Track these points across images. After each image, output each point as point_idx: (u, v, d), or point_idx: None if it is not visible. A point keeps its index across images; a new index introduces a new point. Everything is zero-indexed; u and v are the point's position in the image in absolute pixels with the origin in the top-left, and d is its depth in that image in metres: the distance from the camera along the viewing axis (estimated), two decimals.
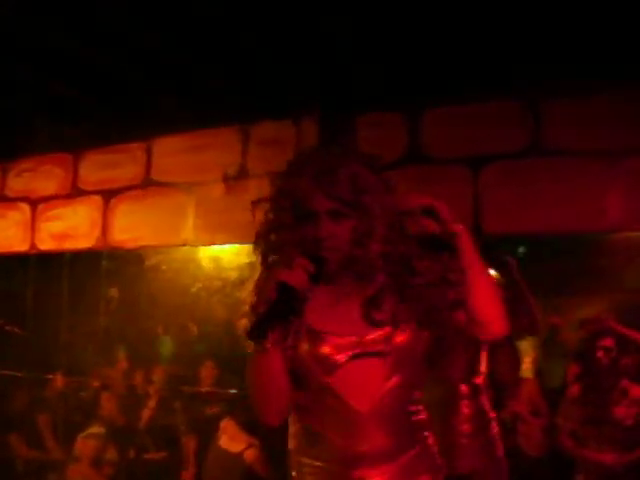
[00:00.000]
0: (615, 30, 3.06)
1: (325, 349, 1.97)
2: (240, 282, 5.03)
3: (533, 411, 5.03)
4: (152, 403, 5.63)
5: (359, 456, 1.98)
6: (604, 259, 5.56)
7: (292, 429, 2.13)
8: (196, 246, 4.39)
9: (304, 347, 1.97)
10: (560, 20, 3.04)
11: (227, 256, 4.81)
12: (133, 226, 4.34)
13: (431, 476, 2.07)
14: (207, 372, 5.60)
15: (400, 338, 1.97)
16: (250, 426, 5.06)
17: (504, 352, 4.67)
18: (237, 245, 4.29)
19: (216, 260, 4.86)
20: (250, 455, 5.03)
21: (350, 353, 1.96)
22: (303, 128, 3.82)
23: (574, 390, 4.68)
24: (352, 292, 2.03)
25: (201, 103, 3.95)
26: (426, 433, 2.12)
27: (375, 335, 1.98)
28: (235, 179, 4.02)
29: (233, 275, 4.93)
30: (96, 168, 4.51)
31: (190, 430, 5.38)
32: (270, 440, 5.06)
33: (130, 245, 4.40)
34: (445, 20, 3.09)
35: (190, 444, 5.41)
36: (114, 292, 5.49)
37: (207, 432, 5.19)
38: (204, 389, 5.46)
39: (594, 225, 3.39)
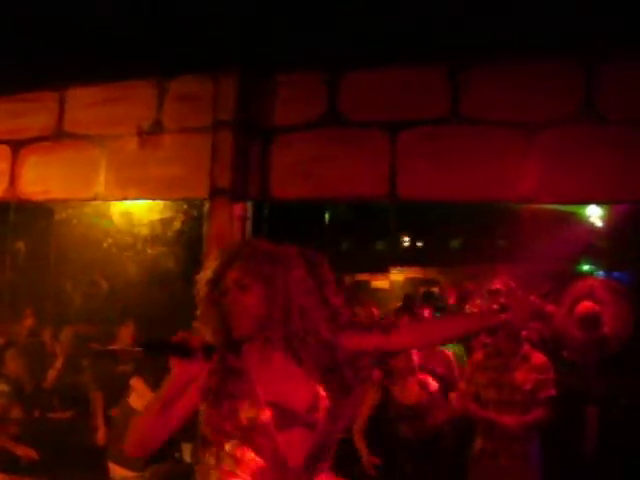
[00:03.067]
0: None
1: (265, 416, 2.20)
2: (152, 238, 5.01)
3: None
4: (59, 362, 5.53)
5: None
6: (516, 230, 5.72)
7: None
8: (108, 201, 4.30)
9: (248, 414, 2.21)
10: None
11: (139, 212, 4.72)
12: (43, 178, 4.21)
13: None
14: (127, 331, 5.54)
15: (323, 404, 2.23)
16: (158, 386, 5.04)
17: None
18: (149, 201, 4.23)
19: (128, 215, 4.77)
20: None
21: (284, 422, 2.21)
22: (222, 85, 3.76)
23: (478, 355, 4.83)
24: (284, 365, 2.28)
25: (118, 55, 3.84)
26: None
27: (306, 406, 2.23)
28: (149, 134, 3.95)
29: (144, 231, 4.85)
30: (5, 116, 4.34)
31: (98, 387, 5.33)
32: None
33: (39, 198, 4.27)
34: None
35: (98, 401, 5.37)
36: (21, 246, 5.32)
37: (115, 390, 5.16)
38: (115, 347, 5.40)
39: (508, 195, 3.48)
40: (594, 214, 5.84)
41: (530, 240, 6.04)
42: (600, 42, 3.26)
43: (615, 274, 4.96)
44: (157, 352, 2.26)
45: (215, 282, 2.28)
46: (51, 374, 5.53)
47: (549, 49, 3.34)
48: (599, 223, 5.87)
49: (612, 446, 4.50)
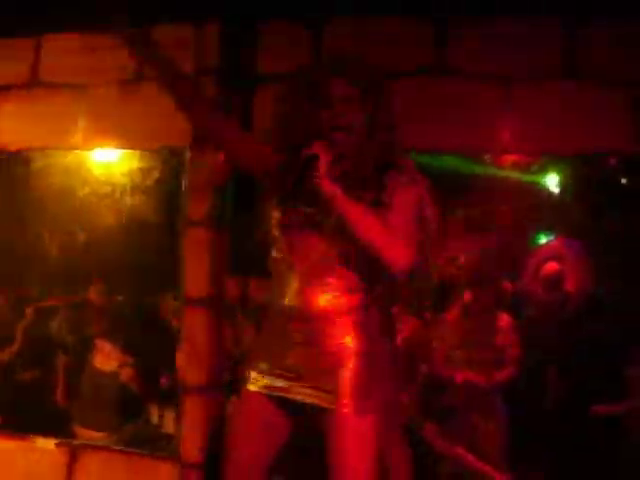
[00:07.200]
0: None
1: (284, 219, 2.27)
2: (131, 188, 4.97)
3: None
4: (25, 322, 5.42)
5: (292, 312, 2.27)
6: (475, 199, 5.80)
7: None
8: (86, 150, 4.28)
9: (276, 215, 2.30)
10: None
11: (118, 161, 4.70)
12: (19, 127, 4.16)
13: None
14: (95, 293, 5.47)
15: None
16: (124, 345, 5.07)
17: None
18: (128, 150, 4.23)
19: (106, 165, 4.73)
20: (125, 374, 5.10)
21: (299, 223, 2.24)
22: (205, 33, 3.76)
23: (450, 316, 4.92)
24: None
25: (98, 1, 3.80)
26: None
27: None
28: (129, 82, 3.93)
29: (123, 181, 4.84)
30: None
31: (62, 349, 5.31)
32: (143, 358, 5.09)
33: (16, 147, 4.24)
34: None
35: (61, 363, 5.36)
36: None
37: (81, 351, 5.17)
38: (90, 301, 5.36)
39: (484, 145, 3.61)
40: (552, 182, 5.99)
41: (486, 209, 6.12)
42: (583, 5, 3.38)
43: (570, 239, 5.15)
44: None
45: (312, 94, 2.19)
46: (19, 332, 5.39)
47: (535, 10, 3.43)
48: (555, 190, 6.03)
49: (572, 402, 4.65)
